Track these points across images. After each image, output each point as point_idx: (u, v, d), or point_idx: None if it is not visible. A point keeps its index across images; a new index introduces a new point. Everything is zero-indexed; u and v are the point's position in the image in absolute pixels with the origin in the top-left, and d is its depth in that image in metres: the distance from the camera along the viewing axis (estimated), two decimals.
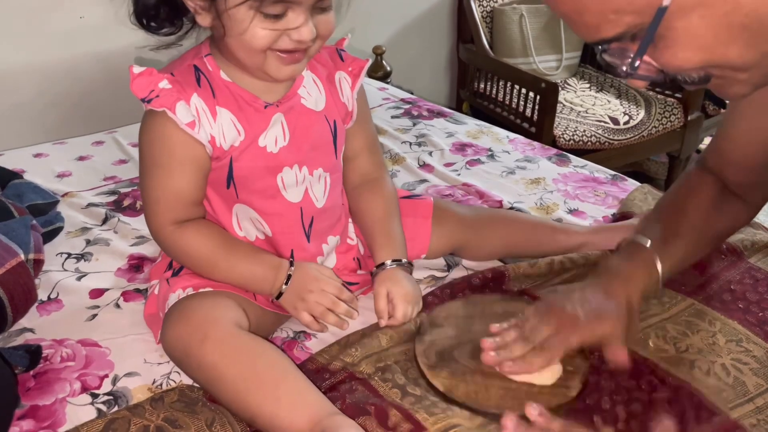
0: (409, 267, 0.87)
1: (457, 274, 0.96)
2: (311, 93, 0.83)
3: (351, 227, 0.94)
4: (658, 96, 2.24)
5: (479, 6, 2.31)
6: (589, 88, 2.34)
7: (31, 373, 0.78)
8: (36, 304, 0.90)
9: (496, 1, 2.34)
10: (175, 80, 0.74)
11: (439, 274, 0.96)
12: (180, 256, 0.81)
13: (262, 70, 0.74)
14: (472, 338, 0.78)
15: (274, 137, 0.79)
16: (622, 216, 1.08)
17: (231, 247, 0.80)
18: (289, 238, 0.84)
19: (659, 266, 0.77)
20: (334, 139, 0.85)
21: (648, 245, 0.79)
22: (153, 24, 0.75)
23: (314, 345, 0.83)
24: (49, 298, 0.92)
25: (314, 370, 0.77)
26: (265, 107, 0.78)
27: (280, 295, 0.80)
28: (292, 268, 0.80)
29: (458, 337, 0.80)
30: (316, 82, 0.84)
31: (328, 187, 0.86)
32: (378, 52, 2.05)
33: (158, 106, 0.73)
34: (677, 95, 2.23)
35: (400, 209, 0.92)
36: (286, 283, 0.80)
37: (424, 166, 1.31)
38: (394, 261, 0.86)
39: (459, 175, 1.27)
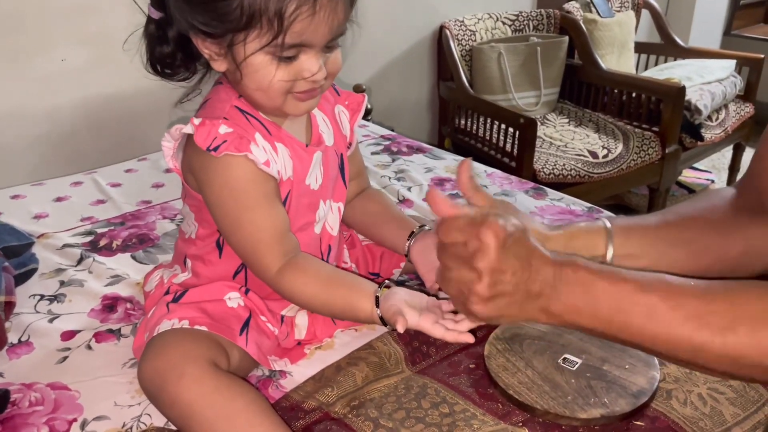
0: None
1: None
2: (323, 130, 0.86)
3: (345, 252, 0.97)
4: (636, 130, 2.28)
5: (458, 45, 2.36)
6: (568, 122, 2.38)
7: None
8: (6, 348, 0.88)
9: (475, 40, 2.39)
10: (232, 124, 0.74)
11: None
12: (288, 299, 0.80)
13: (280, 109, 0.75)
14: (556, 342, 0.83)
15: (315, 176, 0.83)
16: None
17: (328, 286, 0.77)
18: None
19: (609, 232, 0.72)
20: (341, 171, 0.89)
21: (607, 224, 0.73)
22: (168, 71, 0.77)
23: (289, 383, 0.82)
24: (19, 340, 0.90)
25: (288, 407, 0.76)
26: (307, 146, 0.81)
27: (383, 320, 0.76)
28: (380, 290, 0.76)
29: (545, 335, 0.85)
30: (324, 120, 0.87)
31: (340, 215, 0.90)
32: (358, 91, 2.08)
33: (235, 150, 0.72)
34: (654, 129, 2.27)
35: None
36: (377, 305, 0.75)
37: (404, 201, 1.32)
38: (420, 227, 0.89)
39: None
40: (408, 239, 0.89)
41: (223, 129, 0.73)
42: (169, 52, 0.75)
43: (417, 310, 0.72)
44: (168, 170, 1.50)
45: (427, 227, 0.89)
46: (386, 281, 0.78)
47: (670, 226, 0.75)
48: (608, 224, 0.74)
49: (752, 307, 0.54)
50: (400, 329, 0.70)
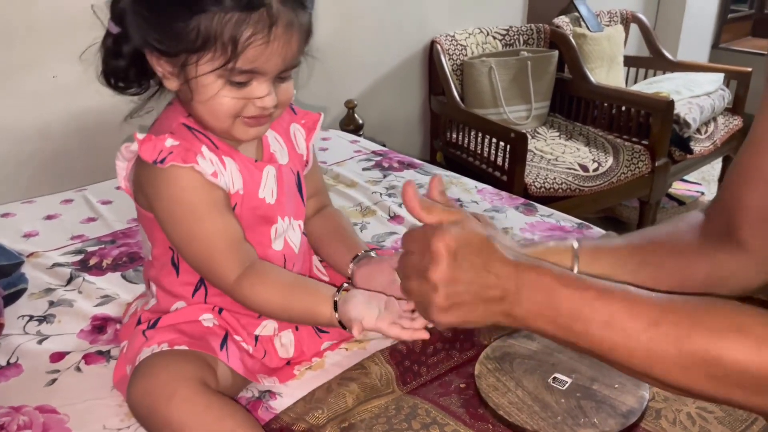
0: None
1: None
2: (275, 149, 0.87)
3: (315, 259, 0.97)
4: (626, 143, 2.30)
5: (449, 59, 2.38)
6: (559, 136, 2.40)
7: None
8: None
9: (466, 55, 2.41)
10: (178, 137, 0.75)
11: None
12: (248, 306, 0.80)
13: (228, 132, 0.76)
14: (546, 361, 0.84)
15: (270, 190, 0.83)
16: None
17: (288, 292, 0.78)
18: None
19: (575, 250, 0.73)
20: (299, 189, 0.89)
21: (575, 245, 0.74)
22: (120, 84, 0.78)
23: (279, 404, 0.81)
24: (8, 363, 0.89)
25: (278, 430, 0.76)
26: (256, 161, 0.82)
27: (342, 324, 0.77)
28: (339, 294, 0.77)
29: (535, 354, 0.85)
30: (277, 139, 0.88)
31: (300, 232, 0.89)
32: (350, 106, 2.09)
33: (181, 162, 0.73)
34: (644, 142, 2.29)
35: None
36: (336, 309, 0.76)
37: (395, 217, 1.32)
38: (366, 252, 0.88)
39: None
40: (351, 261, 0.88)
41: (169, 142, 0.74)
42: (123, 66, 0.76)
43: (375, 312, 0.74)
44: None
45: (373, 253, 0.88)
46: (344, 284, 0.79)
47: (636, 249, 0.76)
48: (575, 245, 0.75)
49: (711, 319, 0.54)
50: (356, 334, 0.73)
